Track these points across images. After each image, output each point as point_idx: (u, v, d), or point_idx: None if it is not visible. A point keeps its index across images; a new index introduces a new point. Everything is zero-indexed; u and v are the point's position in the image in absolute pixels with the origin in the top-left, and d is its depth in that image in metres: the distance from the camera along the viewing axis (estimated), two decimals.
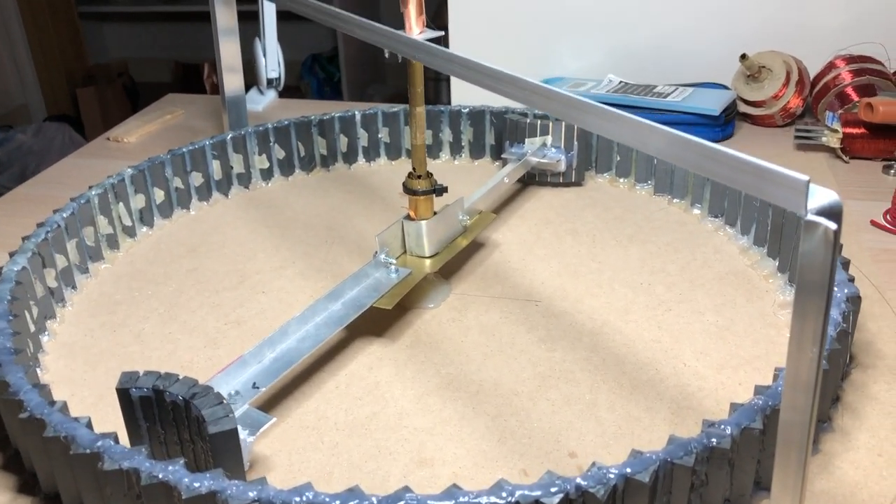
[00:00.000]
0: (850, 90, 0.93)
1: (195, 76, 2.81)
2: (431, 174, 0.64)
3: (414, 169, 0.63)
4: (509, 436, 0.52)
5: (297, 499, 0.39)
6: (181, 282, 0.70)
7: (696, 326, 0.62)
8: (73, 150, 2.20)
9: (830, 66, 0.96)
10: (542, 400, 0.55)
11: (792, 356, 0.33)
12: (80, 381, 0.57)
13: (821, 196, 0.31)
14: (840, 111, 0.90)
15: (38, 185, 0.90)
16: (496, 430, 0.52)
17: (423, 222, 0.64)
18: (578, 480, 0.40)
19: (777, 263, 0.67)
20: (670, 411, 0.53)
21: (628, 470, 0.40)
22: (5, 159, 2.14)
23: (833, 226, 0.30)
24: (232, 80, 0.90)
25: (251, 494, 0.39)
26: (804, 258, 0.31)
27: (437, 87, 2.41)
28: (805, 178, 0.31)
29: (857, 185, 0.83)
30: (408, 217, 0.65)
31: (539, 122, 0.83)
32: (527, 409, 0.54)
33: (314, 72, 2.85)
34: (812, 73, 0.98)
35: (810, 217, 0.31)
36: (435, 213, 0.65)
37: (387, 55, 0.58)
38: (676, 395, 0.55)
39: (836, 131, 0.88)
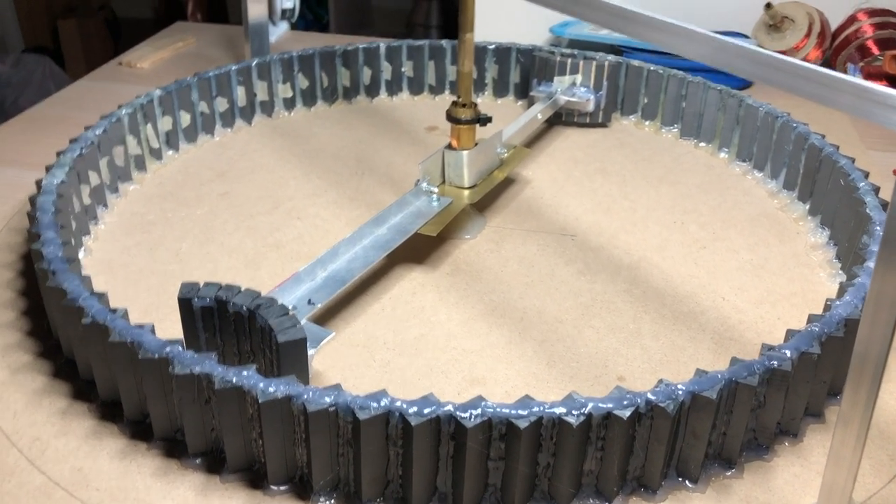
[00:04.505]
0: (871, 43, 0.94)
1: (178, 12, 2.74)
2: (476, 104, 0.64)
3: (458, 97, 0.63)
4: (558, 359, 0.53)
5: (375, 404, 0.40)
6: (214, 205, 0.69)
7: (732, 264, 0.63)
8: (54, 83, 2.13)
9: (852, 19, 0.97)
10: (586, 328, 0.56)
11: (878, 275, 0.34)
12: (123, 297, 0.57)
13: None
14: (861, 63, 0.91)
15: (55, 106, 0.88)
16: (544, 354, 0.53)
17: (465, 152, 0.64)
18: (649, 395, 0.41)
19: (808, 207, 0.68)
20: (713, 341, 0.54)
21: (696, 387, 0.41)
22: None
23: None
24: (256, 8, 0.88)
25: (328, 399, 0.40)
26: None
27: (426, 33, 2.37)
28: None
29: (878, 136, 0.84)
30: (449, 146, 0.65)
31: (569, 60, 0.83)
32: (572, 336, 0.55)
33: (302, 13, 2.81)
34: (833, 26, 0.98)
35: None
36: (476, 144, 0.65)
37: None
38: (718, 326, 0.56)
39: None
